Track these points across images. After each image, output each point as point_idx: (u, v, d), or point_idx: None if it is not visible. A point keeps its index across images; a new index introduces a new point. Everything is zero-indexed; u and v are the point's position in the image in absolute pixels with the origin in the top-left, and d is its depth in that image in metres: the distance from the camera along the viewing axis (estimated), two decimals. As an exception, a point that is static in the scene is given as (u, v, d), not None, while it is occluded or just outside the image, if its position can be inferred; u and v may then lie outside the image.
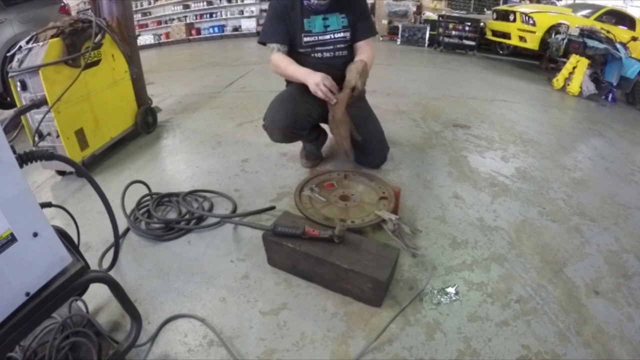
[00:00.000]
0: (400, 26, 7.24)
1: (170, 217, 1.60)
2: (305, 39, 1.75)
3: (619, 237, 1.59)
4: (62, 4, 3.60)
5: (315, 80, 1.59)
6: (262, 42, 1.81)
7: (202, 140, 2.44)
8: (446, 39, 6.51)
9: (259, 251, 1.37)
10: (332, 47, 1.78)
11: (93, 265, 1.32)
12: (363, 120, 1.83)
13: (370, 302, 1.17)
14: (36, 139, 1.84)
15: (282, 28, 1.74)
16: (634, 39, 5.29)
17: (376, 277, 1.10)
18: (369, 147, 1.84)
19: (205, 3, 8.64)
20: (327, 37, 1.77)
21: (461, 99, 3.50)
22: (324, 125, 2.13)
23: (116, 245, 1.09)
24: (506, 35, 6.06)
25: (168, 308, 1.18)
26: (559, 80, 4.38)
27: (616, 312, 1.19)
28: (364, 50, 1.79)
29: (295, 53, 1.79)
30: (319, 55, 1.78)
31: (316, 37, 1.76)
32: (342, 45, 1.79)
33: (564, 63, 4.41)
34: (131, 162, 2.17)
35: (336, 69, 1.74)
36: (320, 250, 1.19)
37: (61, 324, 0.99)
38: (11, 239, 0.67)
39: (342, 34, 1.77)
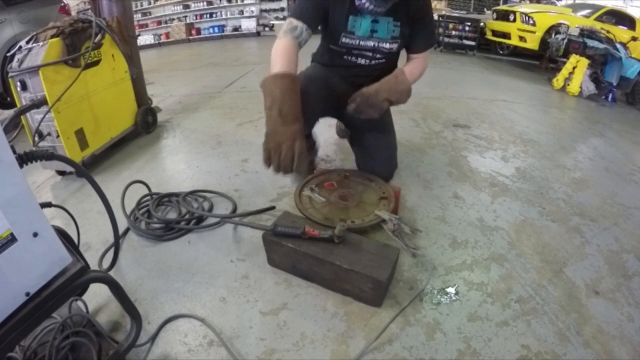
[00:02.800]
0: (400, 26, 7.23)
1: (170, 217, 1.60)
2: (344, 40, 1.48)
3: (619, 237, 1.59)
4: (62, 4, 3.59)
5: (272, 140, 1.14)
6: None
7: (202, 140, 2.44)
8: (446, 39, 6.51)
9: (259, 251, 1.37)
10: (371, 54, 1.53)
11: (93, 265, 1.32)
12: (375, 130, 1.67)
13: (370, 302, 1.17)
14: (36, 139, 1.83)
15: (320, 13, 1.41)
16: (634, 39, 5.30)
17: (376, 277, 1.10)
18: (377, 162, 1.70)
19: (205, 3, 8.63)
20: (371, 44, 1.49)
21: (461, 99, 3.50)
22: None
23: (116, 245, 1.09)
24: (506, 35, 6.06)
25: (168, 308, 1.18)
26: (559, 80, 4.38)
27: (616, 312, 1.20)
28: (414, 62, 1.56)
29: (327, 46, 1.57)
30: (353, 59, 1.55)
31: (357, 42, 1.48)
32: (382, 55, 1.54)
33: (564, 63, 4.41)
34: (131, 162, 2.17)
35: (365, 77, 1.53)
36: (320, 250, 1.19)
37: (61, 324, 0.99)
38: (11, 239, 0.67)
39: (388, 45, 1.49)
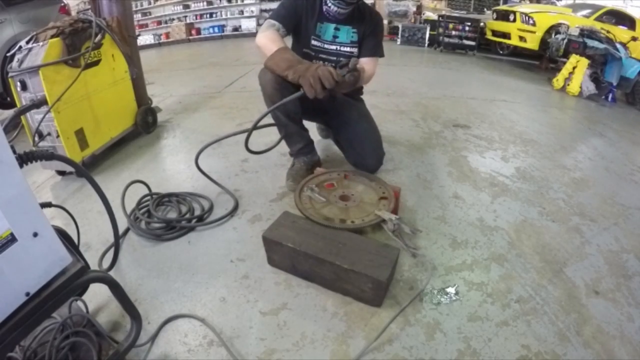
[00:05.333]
0: (400, 26, 7.24)
1: (170, 217, 1.60)
2: (313, 42, 1.73)
3: (619, 237, 1.59)
4: (62, 4, 3.59)
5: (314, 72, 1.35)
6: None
7: (202, 140, 2.43)
8: (446, 39, 6.52)
9: (259, 251, 1.37)
10: (335, 58, 1.74)
11: (93, 265, 1.32)
12: (359, 122, 1.80)
13: (371, 302, 1.17)
14: (36, 139, 1.83)
15: (293, 18, 1.67)
16: (634, 39, 5.29)
17: (376, 277, 1.10)
18: (364, 151, 1.79)
19: (205, 3, 8.63)
20: (333, 47, 1.74)
21: (461, 99, 3.50)
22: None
23: (116, 245, 1.09)
24: (506, 35, 6.06)
25: (168, 308, 1.18)
26: (559, 80, 4.38)
27: (616, 312, 1.20)
28: (366, 67, 1.66)
29: (299, 50, 1.74)
30: (321, 63, 1.69)
31: (323, 44, 1.74)
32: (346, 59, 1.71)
33: (564, 63, 4.41)
34: (131, 162, 2.17)
35: None
36: (320, 250, 1.19)
37: (61, 324, 0.99)
38: (11, 239, 0.67)
39: (349, 49, 1.74)
